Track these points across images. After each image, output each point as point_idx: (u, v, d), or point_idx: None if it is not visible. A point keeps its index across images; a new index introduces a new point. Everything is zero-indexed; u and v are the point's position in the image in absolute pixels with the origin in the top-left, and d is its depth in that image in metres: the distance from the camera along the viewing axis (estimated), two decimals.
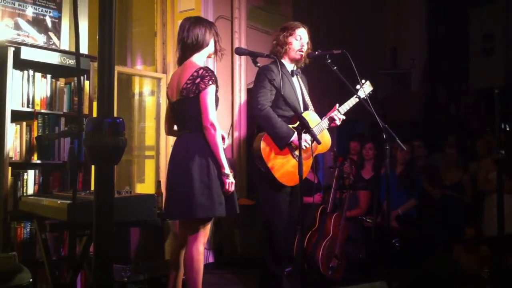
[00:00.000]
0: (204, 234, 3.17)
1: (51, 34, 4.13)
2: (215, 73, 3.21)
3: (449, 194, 5.65)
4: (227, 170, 3.08)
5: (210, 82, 3.07)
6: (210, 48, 3.28)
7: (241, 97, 5.76)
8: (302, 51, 3.72)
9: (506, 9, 7.90)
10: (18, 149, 3.58)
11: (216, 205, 3.06)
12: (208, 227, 3.20)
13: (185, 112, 3.17)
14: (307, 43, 3.76)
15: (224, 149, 3.20)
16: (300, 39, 3.72)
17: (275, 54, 3.72)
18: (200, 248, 3.13)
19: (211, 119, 3.06)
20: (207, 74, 3.09)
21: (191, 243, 3.13)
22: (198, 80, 3.08)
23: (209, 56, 3.34)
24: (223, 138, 3.28)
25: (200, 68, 3.13)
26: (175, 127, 3.37)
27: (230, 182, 3.10)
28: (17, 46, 3.53)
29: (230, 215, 3.26)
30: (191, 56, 3.23)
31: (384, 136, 3.39)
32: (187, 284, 3.20)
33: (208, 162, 3.06)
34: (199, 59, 3.25)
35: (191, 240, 3.13)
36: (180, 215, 3.21)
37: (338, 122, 3.75)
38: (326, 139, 3.77)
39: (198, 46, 3.21)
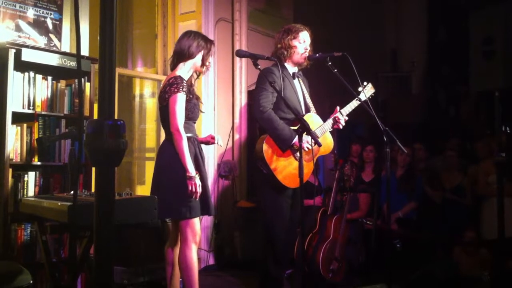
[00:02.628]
0: (192, 233, 3.25)
1: (52, 36, 4.14)
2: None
3: (450, 197, 5.63)
4: (191, 173, 3.19)
5: (176, 90, 3.20)
6: (196, 61, 3.39)
7: (241, 99, 5.76)
8: (305, 55, 3.73)
9: (506, 12, 7.90)
10: (19, 151, 3.58)
11: (183, 207, 3.19)
12: (195, 226, 3.27)
13: (162, 119, 3.36)
14: (309, 45, 3.77)
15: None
16: (303, 42, 3.73)
17: (278, 56, 3.72)
18: (192, 247, 3.23)
19: (176, 125, 3.19)
20: (175, 82, 3.23)
21: (182, 244, 3.26)
22: (168, 88, 3.24)
23: (195, 70, 3.43)
24: (212, 138, 3.53)
25: (172, 77, 3.27)
26: None
27: (194, 183, 3.18)
28: (18, 48, 3.53)
29: (204, 215, 3.44)
30: (177, 64, 3.38)
31: (385, 139, 3.39)
32: (184, 284, 3.25)
33: (178, 167, 3.19)
34: (183, 68, 3.37)
35: (181, 241, 3.27)
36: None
37: (342, 123, 3.73)
38: (328, 141, 3.77)
39: (182, 55, 3.36)
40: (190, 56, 3.35)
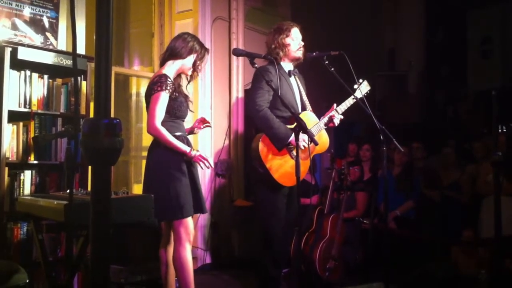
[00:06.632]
0: (186, 232, 3.23)
1: (48, 34, 4.12)
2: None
3: (449, 194, 5.63)
4: (188, 150, 3.20)
5: (159, 89, 3.17)
6: (185, 63, 3.37)
7: (238, 98, 5.77)
8: (301, 50, 3.74)
9: (504, 11, 7.91)
10: (15, 150, 3.57)
11: (175, 208, 3.16)
12: (189, 225, 3.25)
13: None
14: (302, 40, 3.79)
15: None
16: (296, 39, 3.74)
17: (274, 56, 3.72)
18: (187, 246, 3.22)
19: (154, 125, 3.16)
20: (159, 80, 3.20)
21: (176, 243, 3.24)
22: (152, 86, 3.22)
23: (181, 72, 3.40)
24: (200, 122, 3.54)
25: (157, 75, 3.25)
26: None
27: (198, 155, 3.22)
28: (14, 46, 3.52)
29: (197, 213, 3.43)
30: (167, 60, 3.36)
31: (381, 138, 3.39)
32: (179, 284, 3.24)
33: (166, 166, 3.19)
34: (171, 67, 3.35)
35: (176, 241, 3.24)
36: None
37: (337, 122, 3.74)
38: (324, 139, 3.77)
39: (175, 53, 3.34)
40: (181, 56, 3.34)
